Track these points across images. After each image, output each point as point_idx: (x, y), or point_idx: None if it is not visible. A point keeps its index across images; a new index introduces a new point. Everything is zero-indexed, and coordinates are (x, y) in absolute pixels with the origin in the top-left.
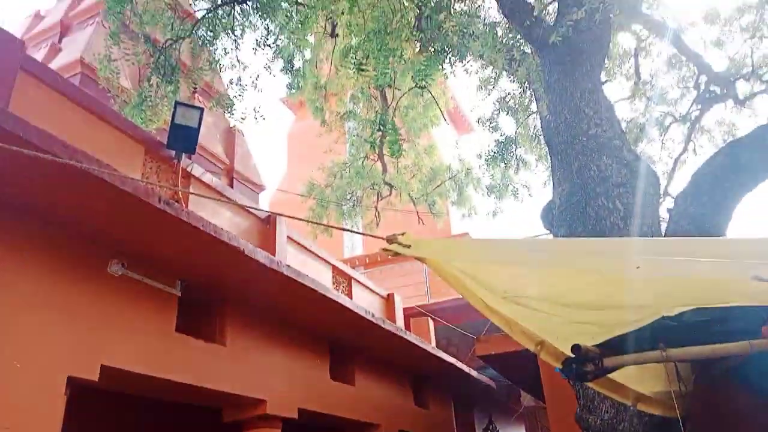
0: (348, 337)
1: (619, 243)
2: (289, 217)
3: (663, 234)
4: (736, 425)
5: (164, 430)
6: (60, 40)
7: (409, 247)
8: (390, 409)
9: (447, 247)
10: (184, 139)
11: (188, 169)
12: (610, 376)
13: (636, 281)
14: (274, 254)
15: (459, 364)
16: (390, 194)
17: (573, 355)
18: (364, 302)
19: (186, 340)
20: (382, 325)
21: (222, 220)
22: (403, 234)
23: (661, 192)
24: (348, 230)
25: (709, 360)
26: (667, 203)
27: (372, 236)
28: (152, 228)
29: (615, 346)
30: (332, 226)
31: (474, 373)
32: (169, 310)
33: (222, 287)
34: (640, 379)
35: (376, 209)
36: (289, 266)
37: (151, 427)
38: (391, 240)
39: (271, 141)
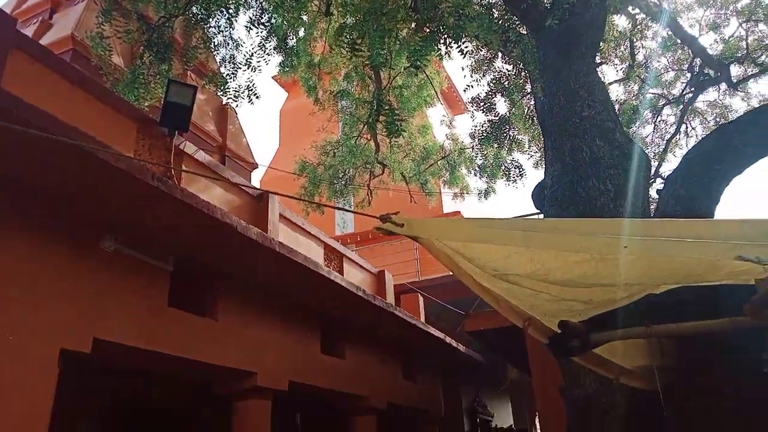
0: (339, 313)
1: (607, 223)
2: (282, 195)
3: (652, 215)
4: (717, 399)
5: (155, 403)
6: (50, 17)
7: (402, 226)
8: (379, 381)
9: (439, 226)
10: (176, 116)
11: (180, 147)
12: (595, 351)
13: (623, 260)
14: (266, 232)
15: (447, 340)
16: (382, 173)
17: (560, 331)
18: (355, 279)
19: (178, 314)
20: (373, 301)
21: (214, 197)
22: (396, 213)
23: (653, 173)
24: (341, 209)
25: (692, 336)
26: (658, 184)
27: (365, 215)
28: (145, 204)
29: (601, 323)
30: (326, 205)
31: (462, 348)
32: (162, 285)
33: (214, 263)
34: (624, 354)
35: (369, 188)
36: (281, 243)
37: (142, 400)
38: (384, 219)
39: (263, 119)
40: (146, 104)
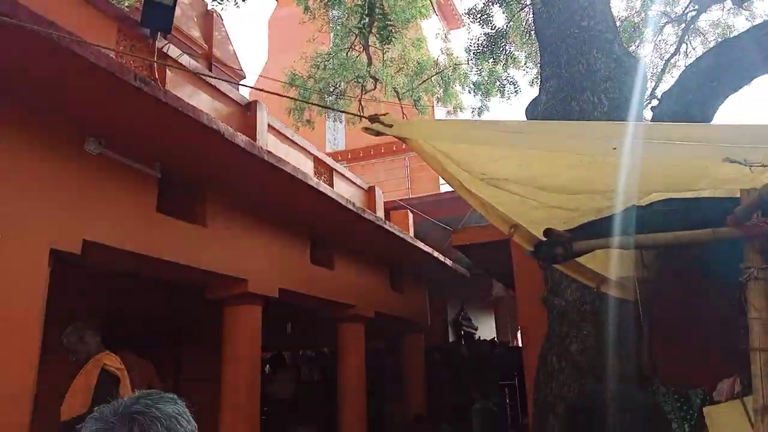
0: (328, 225)
1: (597, 125)
2: (273, 93)
3: None
4: (693, 309)
5: (150, 306)
6: None
7: (391, 126)
8: (367, 292)
9: (428, 126)
10: (158, 17)
11: (164, 50)
12: (577, 260)
13: (612, 167)
14: (254, 141)
15: (435, 254)
16: (374, 88)
17: (544, 239)
18: (345, 193)
19: (167, 220)
20: (362, 215)
21: (200, 104)
22: (385, 114)
23: (649, 94)
24: (331, 108)
25: (674, 248)
26: (654, 104)
27: (354, 115)
28: (128, 107)
29: (585, 231)
30: (317, 104)
31: (449, 262)
32: (149, 190)
33: (202, 171)
34: (607, 264)
35: (360, 103)
36: (269, 152)
37: (137, 303)
38: (373, 119)
39: (250, 29)
40: (126, 4)
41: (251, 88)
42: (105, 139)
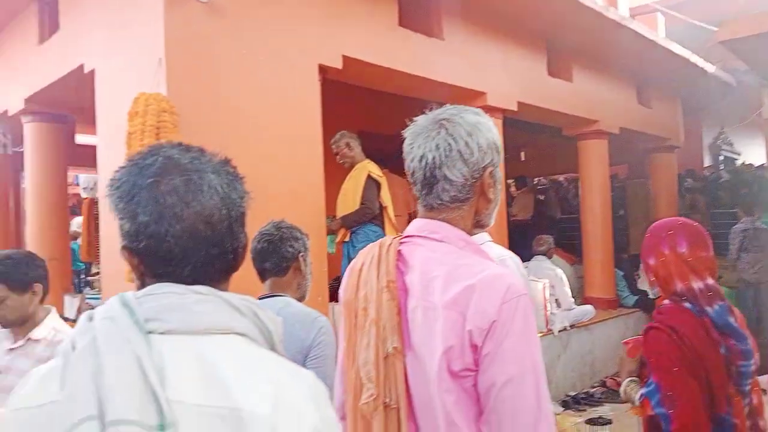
0: (566, 32)
1: None
2: None
3: None
4: None
5: (398, 118)
6: None
7: None
8: (609, 106)
9: None
10: None
11: None
12: None
13: None
14: None
15: (691, 58)
16: None
17: None
18: None
19: (408, 34)
20: (605, 14)
21: None
22: None
23: None
24: None
25: None
26: None
27: None
28: None
29: None
30: None
31: (709, 67)
32: (390, 4)
33: None
34: None
35: None
36: None
37: (389, 116)
38: None
39: None
40: None
41: None
42: None
